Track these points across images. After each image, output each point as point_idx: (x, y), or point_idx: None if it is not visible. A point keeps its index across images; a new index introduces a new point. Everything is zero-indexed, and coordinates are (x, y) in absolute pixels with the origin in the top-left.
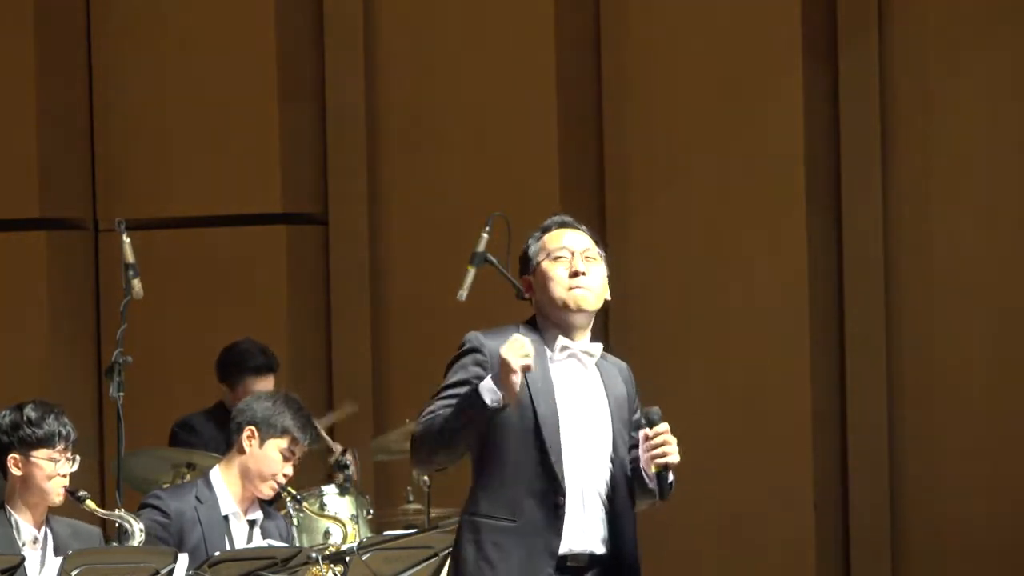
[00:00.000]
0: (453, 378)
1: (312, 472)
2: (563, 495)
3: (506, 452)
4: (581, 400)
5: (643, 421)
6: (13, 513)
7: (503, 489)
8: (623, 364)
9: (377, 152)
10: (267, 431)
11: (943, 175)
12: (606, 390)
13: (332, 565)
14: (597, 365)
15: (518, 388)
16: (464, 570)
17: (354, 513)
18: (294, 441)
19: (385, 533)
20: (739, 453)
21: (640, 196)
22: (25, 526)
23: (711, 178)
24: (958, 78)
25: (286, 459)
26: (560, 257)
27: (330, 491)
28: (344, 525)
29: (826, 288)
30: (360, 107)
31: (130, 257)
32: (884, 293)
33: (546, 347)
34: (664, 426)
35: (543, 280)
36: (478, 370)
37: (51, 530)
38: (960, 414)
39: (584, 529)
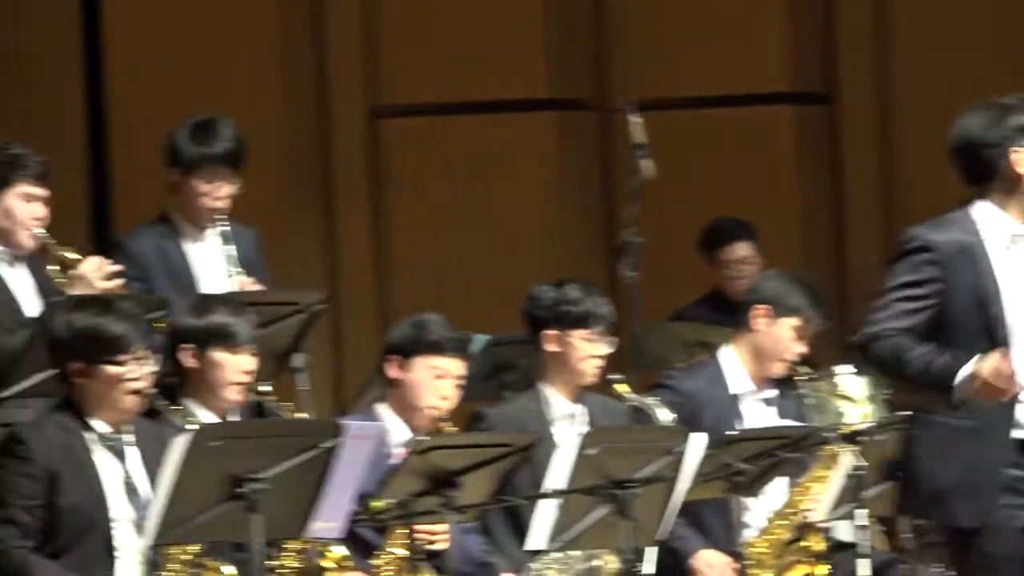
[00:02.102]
0: (905, 277)
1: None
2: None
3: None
4: None
5: None
6: (547, 388)
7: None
8: None
9: None
10: (779, 310)
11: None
12: None
13: (846, 445)
14: None
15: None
16: (913, 467)
17: (872, 393)
18: (806, 319)
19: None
20: None
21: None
22: (559, 401)
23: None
24: None
25: (799, 337)
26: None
27: (844, 371)
28: (858, 405)
29: None
30: None
31: (640, 137)
32: None
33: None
34: None
35: None
36: (932, 270)
37: (585, 406)
38: None
39: None
